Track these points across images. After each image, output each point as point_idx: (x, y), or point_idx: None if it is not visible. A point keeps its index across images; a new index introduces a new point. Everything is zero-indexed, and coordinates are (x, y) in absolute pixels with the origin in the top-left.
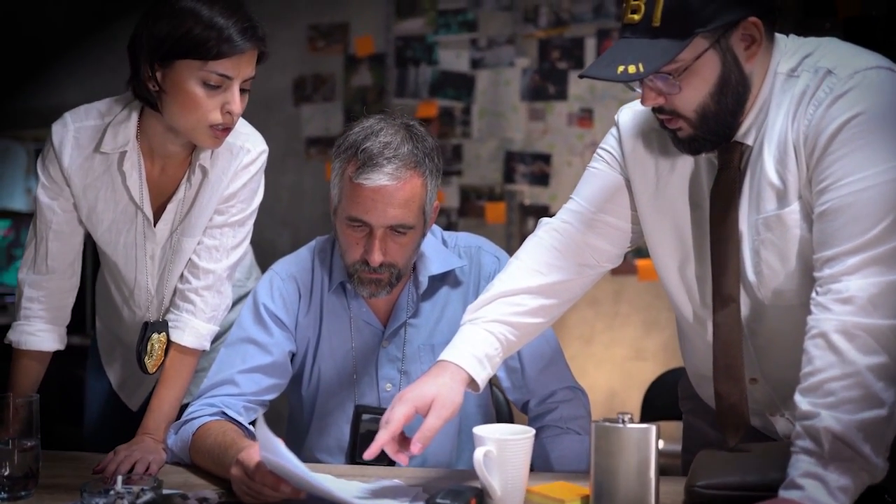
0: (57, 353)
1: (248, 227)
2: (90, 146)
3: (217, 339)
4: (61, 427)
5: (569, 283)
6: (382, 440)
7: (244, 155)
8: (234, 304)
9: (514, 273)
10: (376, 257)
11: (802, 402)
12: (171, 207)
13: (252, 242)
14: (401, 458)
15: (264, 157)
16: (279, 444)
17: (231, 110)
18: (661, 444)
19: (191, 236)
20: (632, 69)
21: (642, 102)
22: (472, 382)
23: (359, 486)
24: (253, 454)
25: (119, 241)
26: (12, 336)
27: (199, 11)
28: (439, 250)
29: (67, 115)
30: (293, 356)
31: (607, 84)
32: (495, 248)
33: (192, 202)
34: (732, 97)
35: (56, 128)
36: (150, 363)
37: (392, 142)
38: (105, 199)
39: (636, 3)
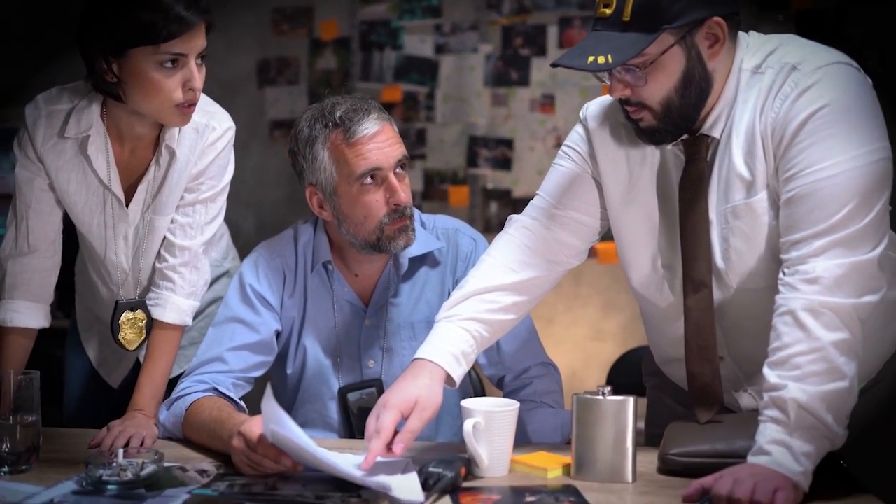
0: (39, 334)
1: (221, 203)
2: (59, 129)
3: (196, 316)
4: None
5: (539, 279)
6: (377, 450)
7: (210, 132)
8: (212, 283)
9: (487, 271)
10: (403, 195)
11: (771, 374)
12: (141, 188)
13: None
14: (390, 456)
15: (231, 133)
16: (286, 417)
17: (193, 86)
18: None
19: (162, 215)
20: (601, 60)
21: (610, 93)
22: (449, 379)
23: (352, 460)
24: (255, 426)
25: (93, 221)
26: None
27: (137, 2)
28: (419, 232)
29: (39, 98)
30: (278, 335)
31: (569, 72)
32: (472, 230)
33: (162, 182)
34: (695, 92)
35: (29, 109)
36: (125, 341)
37: (354, 102)
38: (77, 180)
39: None
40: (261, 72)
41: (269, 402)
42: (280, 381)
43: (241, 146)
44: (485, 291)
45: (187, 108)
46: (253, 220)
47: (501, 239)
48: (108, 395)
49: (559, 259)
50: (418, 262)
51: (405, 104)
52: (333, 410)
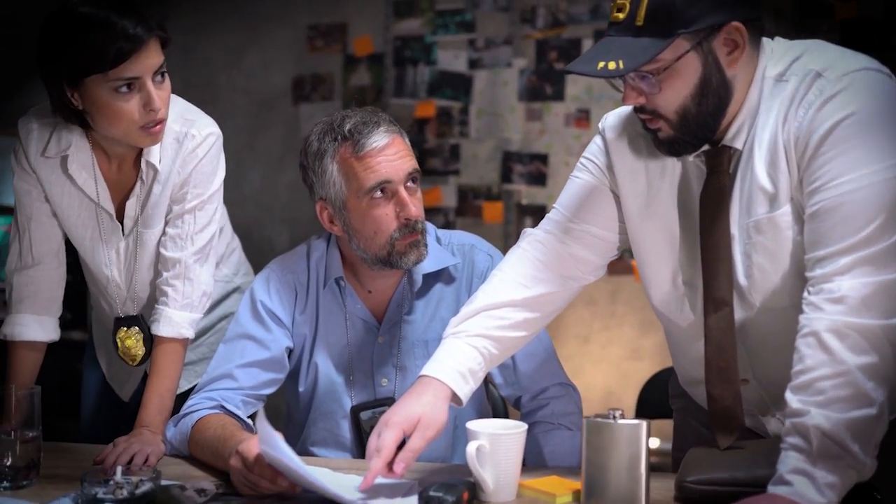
0: (59, 347)
1: (210, 212)
2: (43, 147)
3: (205, 332)
4: (60, 421)
5: (552, 295)
6: (377, 469)
7: (189, 141)
8: (223, 299)
9: (497, 286)
10: (413, 210)
11: (793, 399)
12: (130, 203)
13: (251, 240)
14: (392, 476)
15: (212, 139)
16: (278, 439)
17: (152, 107)
18: (657, 442)
19: (150, 228)
20: (612, 66)
21: (623, 101)
22: (455, 397)
23: (354, 480)
24: (252, 446)
25: (85, 235)
26: (6, 329)
27: (80, 26)
28: (433, 248)
29: (31, 112)
30: (290, 352)
31: (604, 85)
32: (488, 245)
33: (147, 196)
34: (713, 100)
35: (21, 122)
36: (126, 357)
37: (363, 115)
38: (69, 194)
39: (622, 1)
40: (296, 88)
41: (262, 423)
42: (293, 399)
43: (275, 162)
44: (494, 307)
45: (153, 128)
46: (287, 235)
47: (513, 253)
48: (122, 409)
49: (573, 274)
50: (433, 278)
51: (439, 119)
52: (346, 429)
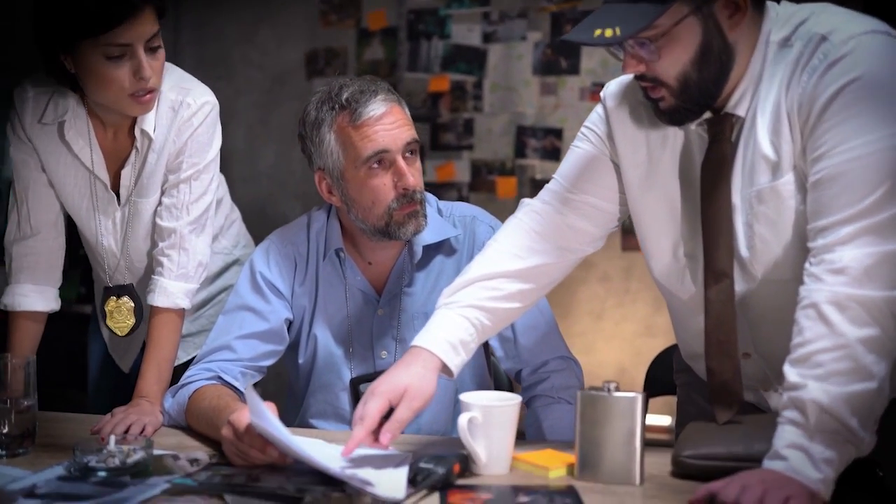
0: (73, 319)
1: (205, 181)
2: (40, 115)
3: (205, 304)
4: (74, 392)
5: (548, 266)
6: (359, 437)
7: (185, 109)
8: (223, 272)
9: (491, 256)
10: (411, 179)
11: (791, 372)
12: (125, 172)
13: (265, 215)
14: (378, 446)
15: (208, 108)
16: (266, 410)
17: (142, 76)
18: (668, 420)
19: (145, 197)
20: (608, 33)
21: (623, 69)
22: (445, 368)
23: (338, 451)
24: (243, 417)
25: (81, 204)
26: (6, 300)
27: None
28: (434, 219)
29: (27, 82)
30: (290, 324)
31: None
32: (490, 217)
33: (142, 165)
34: (715, 66)
35: (17, 91)
36: (114, 327)
37: (362, 84)
38: (65, 163)
39: None
40: (309, 63)
41: (251, 394)
42: (293, 370)
43: (289, 137)
44: (487, 278)
45: (143, 96)
46: (301, 210)
47: (510, 224)
48: (123, 378)
49: (571, 246)
50: (433, 250)
51: (453, 94)
52: (345, 401)
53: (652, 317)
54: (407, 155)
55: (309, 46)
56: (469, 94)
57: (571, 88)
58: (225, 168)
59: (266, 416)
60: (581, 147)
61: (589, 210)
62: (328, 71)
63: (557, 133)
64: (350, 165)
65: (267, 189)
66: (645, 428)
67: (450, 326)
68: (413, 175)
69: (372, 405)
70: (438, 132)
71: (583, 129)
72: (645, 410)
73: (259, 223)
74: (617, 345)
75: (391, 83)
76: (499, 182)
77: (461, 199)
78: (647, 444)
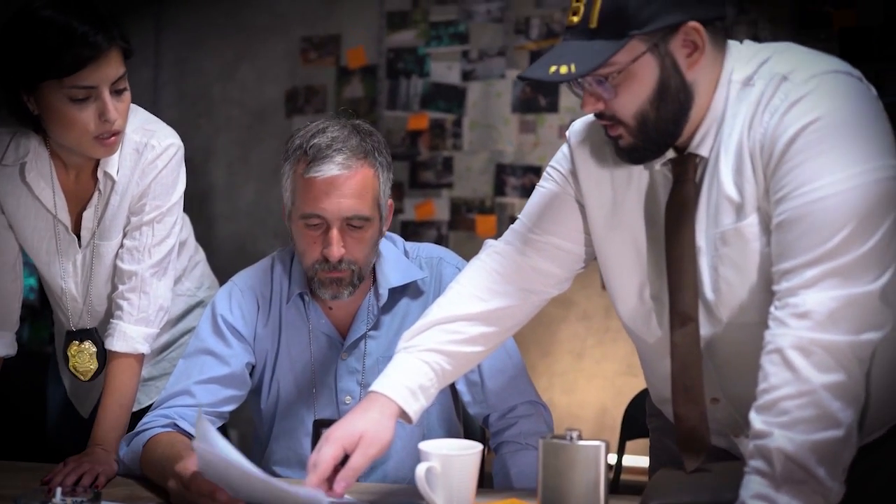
0: (35, 361)
1: (168, 224)
2: (1, 156)
3: (167, 347)
4: (34, 436)
5: (511, 309)
6: (311, 484)
7: (149, 151)
8: (186, 314)
9: (452, 299)
10: (335, 251)
11: (756, 420)
12: (87, 214)
13: (245, 253)
14: (333, 495)
15: (173, 150)
16: (217, 437)
17: (108, 118)
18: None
19: (107, 240)
20: (563, 70)
21: (582, 107)
22: (404, 414)
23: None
24: (189, 465)
25: (41, 247)
26: None
27: (39, 30)
28: (400, 261)
29: None
30: (252, 368)
31: None
32: (458, 258)
33: (105, 207)
34: (673, 105)
35: None
36: (76, 371)
37: (339, 136)
38: (25, 205)
39: (577, 4)
40: (289, 100)
41: (201, 421)
42: (257, 416)
43: (269, 175)
44: (448, 321)
45: (108, 139)
46: (280, 247)
47: (472, 265)
48: (82, 424)
49: (534, 287)
50: (399, 292)
51: (432, 132)
52: (308, 447)
53: (633, 355)
54: (346, 226)
55: (289, 84)
56: (448, 131)
57: (550, 126)
58: (204, 205)
59: (216, 443)
60: (545, 187)
61: (553, 251)
62: (308, 109)
63: (536, 171)
64: (294, 210)
65: (246, 226)
66: (609, 477)
67: (409, 371)
68: (341, 248)
69: (325, 452)
70: (418, 170)
71: (548, 168)
72: (607, 458)
73: (238, 260)
74: (598, 384)
75: (371, 121)
76: (478, 220)
77: (440, 237)
78: (626, 488)
